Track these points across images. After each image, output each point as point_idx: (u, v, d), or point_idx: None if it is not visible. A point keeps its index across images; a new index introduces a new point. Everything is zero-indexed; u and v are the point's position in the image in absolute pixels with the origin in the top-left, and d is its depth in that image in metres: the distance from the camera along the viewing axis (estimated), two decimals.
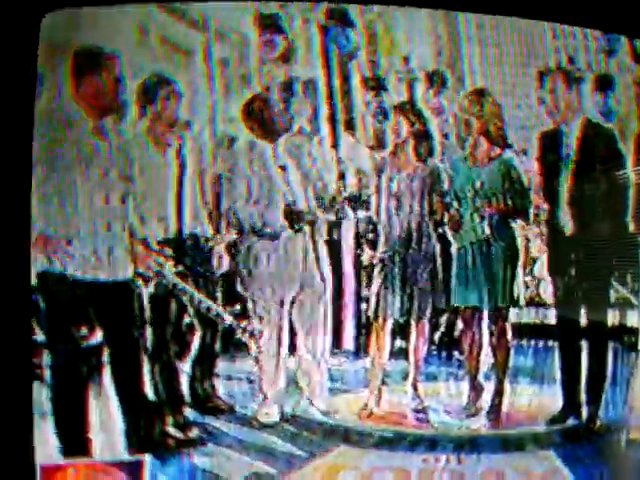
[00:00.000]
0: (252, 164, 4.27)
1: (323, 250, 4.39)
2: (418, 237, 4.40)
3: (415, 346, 4.43)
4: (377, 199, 4.39)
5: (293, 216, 4.26)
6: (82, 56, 3.76)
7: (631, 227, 4.29)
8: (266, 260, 4.28)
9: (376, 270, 4.41)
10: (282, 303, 4.32)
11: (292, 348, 4.36)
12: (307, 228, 4.31)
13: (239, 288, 4.29)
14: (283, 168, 4.29)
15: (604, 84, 4.38)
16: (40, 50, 3.57)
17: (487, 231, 4.33)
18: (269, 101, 4.27)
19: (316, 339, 4.36)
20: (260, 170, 4.27)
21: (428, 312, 4.42)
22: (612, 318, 4.35)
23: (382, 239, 4.41)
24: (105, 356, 3.86)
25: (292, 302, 4.35)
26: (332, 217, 4.37)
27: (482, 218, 4.32)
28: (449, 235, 4.39)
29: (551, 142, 4.34)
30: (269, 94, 4.26)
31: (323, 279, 4.37)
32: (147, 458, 3.75)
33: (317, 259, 4.34)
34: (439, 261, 4.41)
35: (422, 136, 4.36)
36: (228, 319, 4.19)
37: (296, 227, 4.25)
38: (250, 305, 4.28)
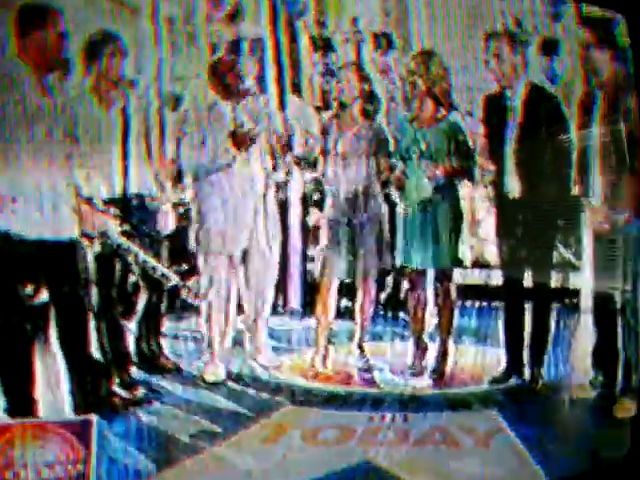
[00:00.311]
0: (211, 121, 4.27)
1: (273, 209, 4.39)
2: (364, 198, 4.42)
3: (361, 306, 4.48)
4: (324, 160, 4.41)
5: (237, 137, 4.26)
6: (26, 12, 3.71)
7: (575, 190, 4.33)
8: (218, 213, 4.29)
9: (322, 230, 4.43)
10: (231, 258, 4.33)
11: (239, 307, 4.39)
12: (259, 187, 4.32)
13: (190, 241, 4.30)
14: (240, 126, 4.28)
15: (550, 48, 4.41)
16: None
17: (432, 191, 4.35)
18: (235, 65, 4.27)
19: (262, 297, 4.39)
20: (218, 127, 4.28)
21: (374, 272, 4.46)
22: (555, 280, 4.41)
23: (328, 200, 4.43)
24: (51, 315, 3.84)
25: (241, 259, 4.36)
26: (281, 177, 4.38)
27: (427, 179, 4.34)
28: (395, 195, 4.40)
29: (495, 105, 4.36)
30: (235, 58, 4.26)
31: (271, 237, 4.38)
32: (95, 417, 3.73)
33: (266, 217, 4.35)
34: (385, 222, 4.44)
35: (368, 96, 4.37)
36: (173, 278, 4.19)
37: (242, 149, 4.25)
38: (200, 260, 4.30)
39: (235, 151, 4.22)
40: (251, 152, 4.28)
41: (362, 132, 4.40)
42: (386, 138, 4.42)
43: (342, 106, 4.38)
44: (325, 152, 4.39)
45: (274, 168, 4.35)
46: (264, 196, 4.34)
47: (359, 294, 4.47)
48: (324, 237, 4.43)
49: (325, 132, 4.40)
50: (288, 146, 4.33)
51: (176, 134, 4.22)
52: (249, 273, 4.38)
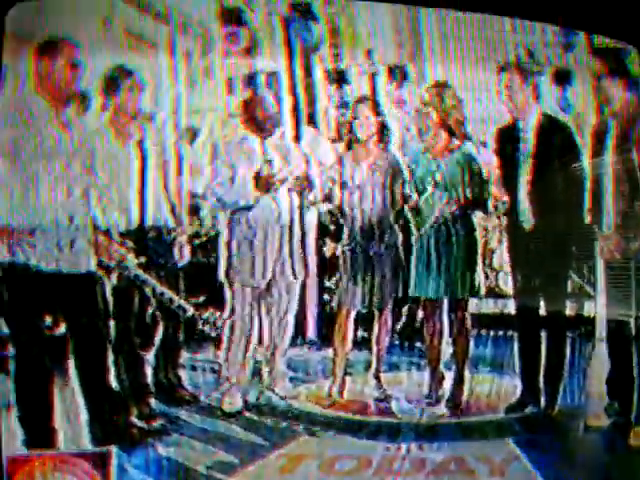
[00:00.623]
0: (240, 156, 4.32)
1: (298, 240, 4.42)
2: (380, 228, 4.44)
3: (377, 336, 4.49)
4: (340, 191, 4.44)
5: (261, 180, 4.30)
6: (42, 45, 3.76)
7: (587, 219, 4.35)
8: (245, 244, 4.32)
9: (339, 261, 4.45)
10: (254, 289, 4.37)
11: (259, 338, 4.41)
12: (286, 219, 4.36)
13: (220, 273, 4.34)
14: (269, 162, 4.33)
15: (562, 78, 4.44)
16: (5, 42, 3.58)
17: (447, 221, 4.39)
18: (265, 102, 4.33)
19: (283, 328, 4.41)
20: (247, 161, 4.33)
21: (390, 303, 4.48)
22: (569, 308, 4.42)
23: (345, 231, 4.46)
24: (69, 347, 3.85)
25: (265, 289, 4.40)
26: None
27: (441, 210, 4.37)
28: (411, 221, 4.43)
29: (508, 137, 4.40)
30: (264, 95, 4.32)
31: (297, 269, 4.42)
32: (113, 448, 3.74)
33: (291, 249, 4.37)
34: (400, 252, 4.46)
35: (383, 128, 4.41)
36: (190, 310, 4.21)
37: (266, 190, 4.29)
38: (226, 291, 4.33)
39: (259, 194, 4.26)
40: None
41: (378, 163, 4.43)
42: (400, 169, 4.45)
43: (357, 139, 4.42)
44: (341, 184, 4.42)
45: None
46: (290, 227, 4.37)
47: (375, 324, 4.48)
48: (340, 268, 4.45)
49: (340, 163, 4.43)
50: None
51: (205, 166, 4.27)
52: (271, 304, 4.40)
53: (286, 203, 4.35)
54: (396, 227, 4.46)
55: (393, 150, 4.46)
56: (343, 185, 4.43)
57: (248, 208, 4.30)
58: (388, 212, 4.45)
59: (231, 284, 4.33)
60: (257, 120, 4.32)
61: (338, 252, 4.46)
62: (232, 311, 4.33)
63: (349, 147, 4.45)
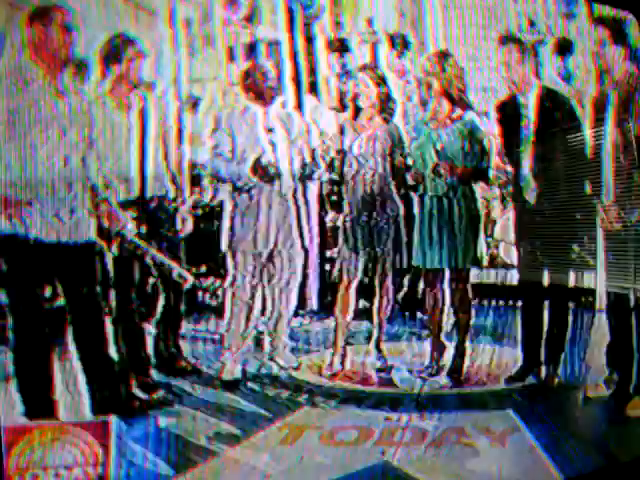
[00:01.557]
0: (242, 124, 4.31)
1: (303, 213, 4.41)
2: (381, 198, 4.44)
3: (379, 306, 4.49)
4: (340, 161, 4.42)
5: (259, 169, 4.28)
6: (34, 11, 3.73)
7: (587, 190, 4.36)
8: (248, 213, 4.32)
9: (340, 231, 4.45)
10: (257, 257, 4.35)
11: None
12: (290, 189, 4.35)
13: (222, 241, 4.32)
14: (270, 130, 4.31)
15: (563, 47, 4.43)
16: (1, 9, 3.55)
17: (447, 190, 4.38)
18: (266, 72, 4.30)
19: (286, 298, 4.41)
20: (248, 130, 4.31)
21: (391, 273, 4.47)
22: (570, 279, 4.43)
23: (346, 201, 4.45)
24: (68, 318, 3.83)
25: (268, 259, 4.38)
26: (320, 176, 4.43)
27: (440, 175, 4.36)
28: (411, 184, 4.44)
29: (509, 109, 4.39)
30: (264, 64, 4.30)
31: (304, 237, 4.42)
32: (113, 419, 3.73)
33: (298, 221, 4.37)
34: (401, 223, 4.46)
35: (385, 98, 4.39)
36: (190, 279, 4.20)
37: (264, 179, 4.27)
38: (227, 259, 4.31)
39: (256, 180, 4.27)
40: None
41: (377, 133, 4.42)
42: (401, 139, 4.44)
43: (358, 108, 4.40)
44: (342, 153, 4.40)
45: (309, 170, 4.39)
46: (294, 196, 4.36)
47: (376, 294, 4.48)
48: (342, 238, 4.44)
49: (341, 133, 4.42)
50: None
51: (208, 136, 4.25)
52: (274, 274, 4.39)
53: (288, 176, 4.34)
54: (397, 197, 4.46)
55: (394, 120, 4.44)
56: (344, 155, 4.41)
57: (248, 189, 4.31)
58: (389, 182, 4.44)
59: (234, 253, 4.32)
60: (257, 89, 4.31)
61: (339, 222, 4.45)
62: (233, 279, 4.32)
63: (355, 116, 4.44)
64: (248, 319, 4.35)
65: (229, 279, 4.32)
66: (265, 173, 4.27)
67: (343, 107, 4.42)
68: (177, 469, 3.76)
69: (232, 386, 4.26)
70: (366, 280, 4.46)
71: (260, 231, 4.32)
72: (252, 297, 4.35)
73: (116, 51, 3.97)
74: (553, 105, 4.35)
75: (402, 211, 4.45)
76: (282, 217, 4.35)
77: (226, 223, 4.33)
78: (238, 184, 4.29)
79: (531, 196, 4.35)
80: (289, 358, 4.45)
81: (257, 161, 4.28)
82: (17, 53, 3.70)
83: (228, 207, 4.34)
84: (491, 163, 4.42)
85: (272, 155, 4.32)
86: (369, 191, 4.42)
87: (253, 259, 4.35)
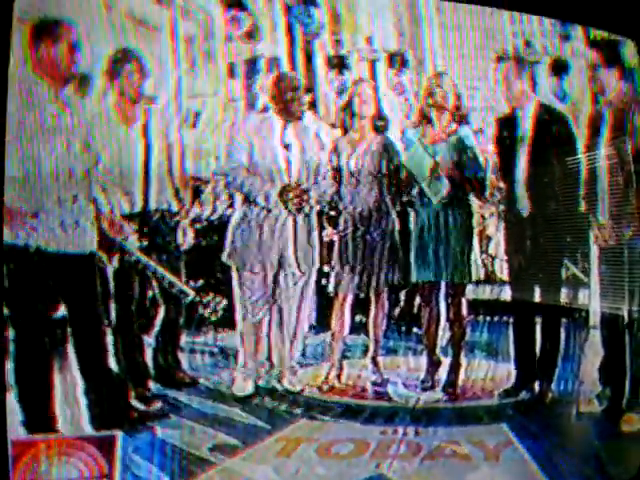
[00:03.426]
0: (259, 137, 4.33)
1: (315, 235, 4.46)
2: (377, 213, 4.47)
3: (375, 321, 4.51)
4: (338, 176, 4.45)
5: (286, 197, 4.32)
6: (38, 27, 3.75)
7: (582, 207, 4.40)
8: (257, 232, 4.33)
9: (336, 246, 4.48)
10: (265, 275, 4.38)
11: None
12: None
13: (226, 257, 4.33)
14: (287, 147, 4.34)
15: (559, 68, 4.49)
16: (13, 21, 3.60)
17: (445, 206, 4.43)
18: (299, 87, 4.34)
19: (293, 315, 4.45)
20: (264, 144, 4.34)
21: (387, 288, 4.50)
22: (564, 296, 4.47)
23: (343, 216, 4.48)
24: (69, 330, 3.84)
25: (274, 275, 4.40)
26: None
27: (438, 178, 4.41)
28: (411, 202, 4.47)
29: (507, 125, 4.44)
30: (290, 74, 4.35)
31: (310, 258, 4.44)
32: (119, 433, 3.74)
33: (309, 242, 4.42)
34: (397, 237, 4.49)
35: (380, 112, 4.44)
36: (191, 294, 4.22)
37: (288, 208, 4.30)
38: (233, 273, 4.33)
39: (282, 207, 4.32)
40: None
41: (372, 147, 4.46)
42: (397, 153, 4.48)
43: (353, 123, 4.44)
44: (339, 169, 4.44)
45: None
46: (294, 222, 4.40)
47: (372, 309, 4.51)
48: (337, 253, 4.48)
49: (335, 149, 4.45)
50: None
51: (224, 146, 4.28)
52: (280, 294, 4.41)
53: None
54: (393, 212, 4.49)
55: (389, 135, 4.48)
56: (339, 170, 4.45)
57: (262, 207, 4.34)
58: (385, 197, 4.48)
59: (238, 269, 4.34)
60: (285, 99, 4.32)
61: (335, 237, 4.48)
62: (241, 297, 4.34)
63: (345, 131, 4.47)
64: (257, 336, 4.38)
65: (234, 294, 4.35)
66: (296, 203, 4.31)
67: (342, 122, 4.45)
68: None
69: (242, 401, 4.26)
70: (362, 295, 4.49)
71: (264, 250, 4.34)
72: (260, 315, 4.38)
73: (117, 65, 4.00)
74: (550, 120, 4.40)
75: (398, 226, 4.49)
76: (304, 235, 4.38)
77: (229, 237, 4.34)
78: (259, 201, 4.32)
79: (524, 209, 4.40)
80: (293, 382, 4.44)
81: (285, 189, 4.31)
82: (19, 65, 3.73)
83: (234, 220, 4.36)
84: (486, 178, 4.46)
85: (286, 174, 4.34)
86: (364, 206, 4.45)
87: (259, 277, 4.37)
